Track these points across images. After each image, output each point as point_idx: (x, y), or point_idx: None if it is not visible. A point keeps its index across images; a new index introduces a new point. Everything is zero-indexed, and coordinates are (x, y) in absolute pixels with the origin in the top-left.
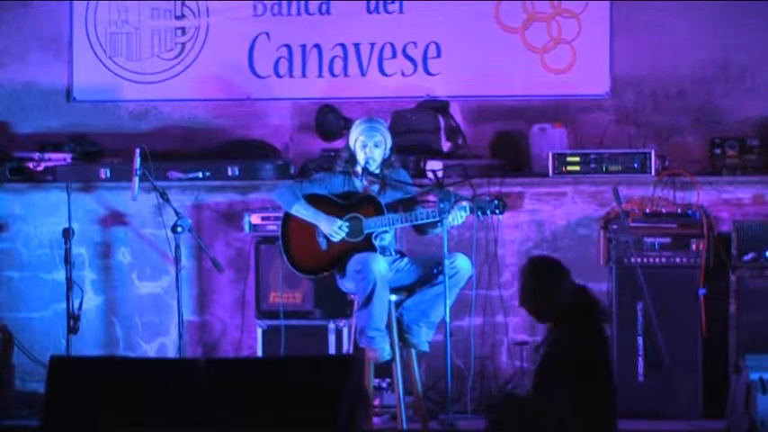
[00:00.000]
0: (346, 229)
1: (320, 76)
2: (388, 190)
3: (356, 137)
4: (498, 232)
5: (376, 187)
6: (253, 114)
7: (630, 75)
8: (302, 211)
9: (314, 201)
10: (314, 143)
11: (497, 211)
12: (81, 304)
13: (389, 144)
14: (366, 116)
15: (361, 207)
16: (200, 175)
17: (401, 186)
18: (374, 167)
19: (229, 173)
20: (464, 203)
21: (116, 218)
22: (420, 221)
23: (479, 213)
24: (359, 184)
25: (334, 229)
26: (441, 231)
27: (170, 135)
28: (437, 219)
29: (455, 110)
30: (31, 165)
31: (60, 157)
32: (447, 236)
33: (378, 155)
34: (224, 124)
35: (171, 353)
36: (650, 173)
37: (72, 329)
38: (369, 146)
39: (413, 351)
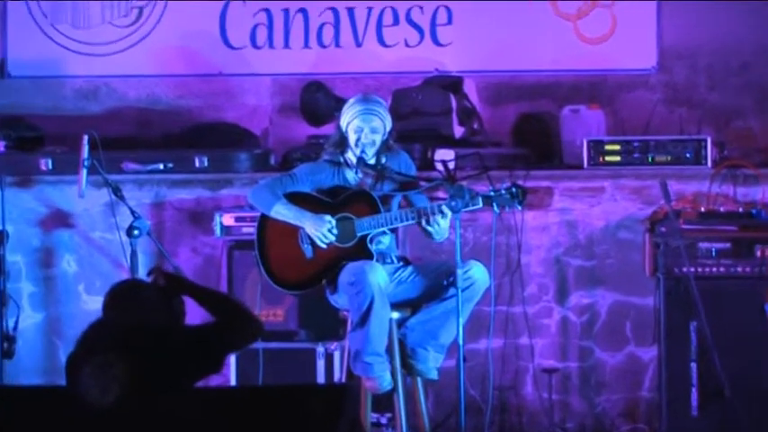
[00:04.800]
0: (336, 232)
1: (306, 46)
2: (387, 182)
3: (349, 120)
4: (522, 236)
5: (372, 181)
6: (225, 93)
7: (682, 45)
8: (284, 210)
9: (297, 200)
10: (299, 128)
11: (516, 202)
12: (17, 323)
13: (389, 129)
14: (361, 95)
15: (353, 204)
16: (162, 166)
17: (403, 177)
18: (371, 157)
19: (197, 164)
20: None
21: (59, 219)
22: (424, 218)
23: (495, 207)
24: (352, 177)
25: (322, 232)
26: (442, 236)
27: (125, 118)
28: (445, 215)
29: (470, 88)
30: None
31: None
32: (460, 240)
33: (375, 142)
34: (190, 105)
35: None
36: (706, 164)
37: (6, 353)
38: (365, 131)
39: (419, 380)
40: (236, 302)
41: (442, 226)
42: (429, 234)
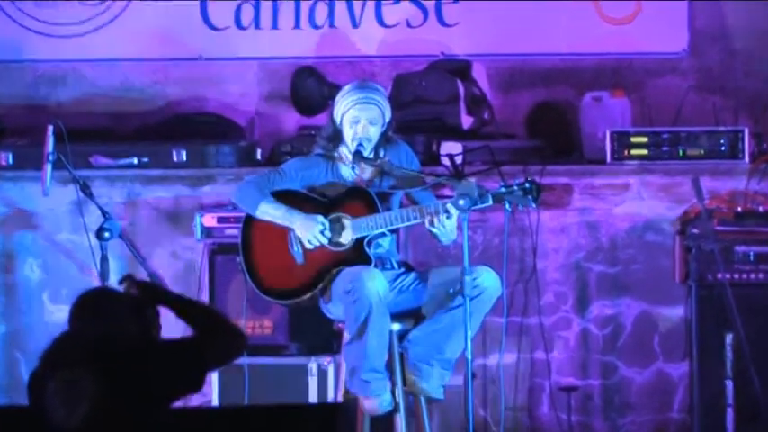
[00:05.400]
0: (329, 234)
1: (297, 27)
2: (385, 178)
3: (344, 110)
4: (538, 238)
5: (370, 177)
6: (206, 79)
7: (716, 26)
8: (272, 210)
9: (286, 199)
10: (289, 118)
11: (531, 200)
12: None
13: (389, 119)
14: (357, 81)
15: (348, 203)
16: (136, 161)
17: (405, 172)
18: (369, 151)
19: (175, 158)
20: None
21: (21, 219)
22: (427, 218)
23: (507, 205)
24: (347, 173)
25: (313, 234)
26: (449, 238)
27: (95, 107)
28: (450, 215)
29: (479, 73)
30: None
31: None
32: (468, 243)
33: (374, 134)
34: (167, 93)
35: None
36: (743, 158)
37: None
38: (362, 123)
39: (422, 399)
40: (217, 313)
41: (447, 227)
42: (434, 236)
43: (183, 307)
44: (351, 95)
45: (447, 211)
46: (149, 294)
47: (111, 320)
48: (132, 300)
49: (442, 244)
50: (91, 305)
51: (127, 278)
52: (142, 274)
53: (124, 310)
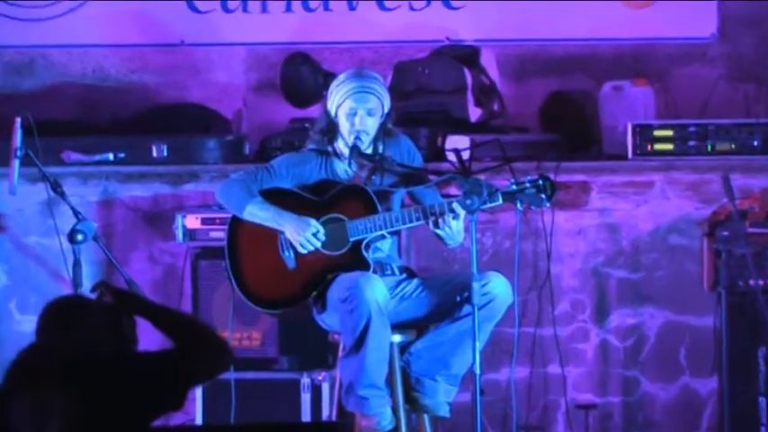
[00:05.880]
0: (323, 237)
1: (288, 10)
2: (387, 175)
3: (339, 101)
4: (553, 241)
5: (368, 174)
6: (189, 67)
7: (747, 9)
8: (259, 212)
9: (276, 198)
10: (279, 110)
11: (545, 199)
12: None
13: (388, 110)
14: (353, 69)
15: (345, 203)
16: (111, 156)
17: (407, 168)
18: (366, 145)
19: (154, 154)
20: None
21: None
22: (431, 219)
23: (519, 205)
24: (343, 170)
25: (306, 237)
26: (455, 241)
27: (66, 98)
28: (457, 215)
29: (488, 60)
30: None
31: None
32: (476, 246)
33: (372, 127)
34: (146, 82)
35: None
36: None
37: None
38: (359, 114)
39: (426, 417)
40: (200, 325)
41: (454, 229)
42: (440, 238)
43: (163, 317)
44: (346, 85)
45: (453, 212)
46: (125, 303)
47: (84, 332)
48: (107, 309)
49: (448, 247)
50: (61, 315)
51: (101, 285)
52: (118, 281)
53: (98, 321)
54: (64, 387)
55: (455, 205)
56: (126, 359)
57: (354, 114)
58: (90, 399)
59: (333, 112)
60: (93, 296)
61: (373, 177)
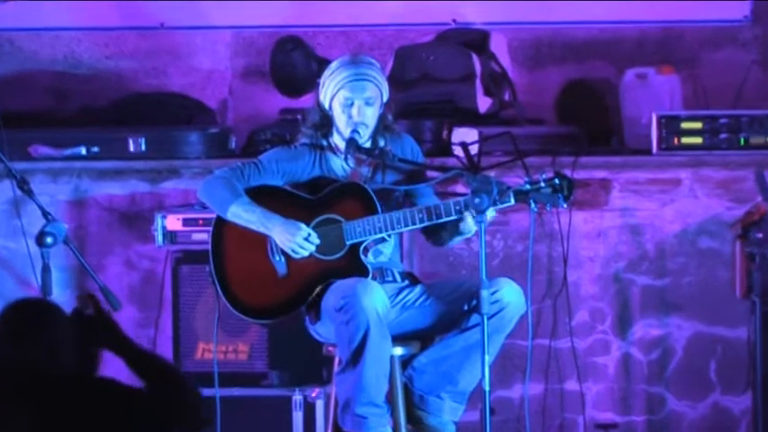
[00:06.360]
0: (317, 241)
1: None
2: (388, 172)
3: (334, 91)
4: (570, 244)
5: (367, 170)
6: (169, 52)
7: None
8: (244, 214)
9: (264, 197)
10: (269, 100)
11: (561, 198)
12: None
13: (387, 99)
14: (347, 56)
15: (341, 202)
16: (84, 151)
17: (409, 166)
18: (365, 139)
19: (131, 148)
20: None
21: None
22: (437, 221)
23: (533, 204)
24: (339, 167)
25: (297, 241)
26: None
27: (34, 86)
28: (462, 217)
29: (499, 45)
30: None
31: None
32: (485, 250)
33: (371, 118)
34: (122, 68)
35: None
36: None
37: None
38: (356, 104)
39: None
40: (177, 373)
41: (457, 239)
42: (440, 241)
43: (137, 357)
44: (340, 73)
45: (460, 212)
46: (102, 331)
47: (48, 343)
48: (79, 323)
49: (449, 248)
50: (26, 323)
51: (89, 298)
52: (91, 288)
53: (66, 333)
54: (25, 406)
55: (463, 205)
56: (94, 386)
57: (351, 105)
58: (53, 420)
59: (327, 105)
60: (73, 304)
61: (372, 174)
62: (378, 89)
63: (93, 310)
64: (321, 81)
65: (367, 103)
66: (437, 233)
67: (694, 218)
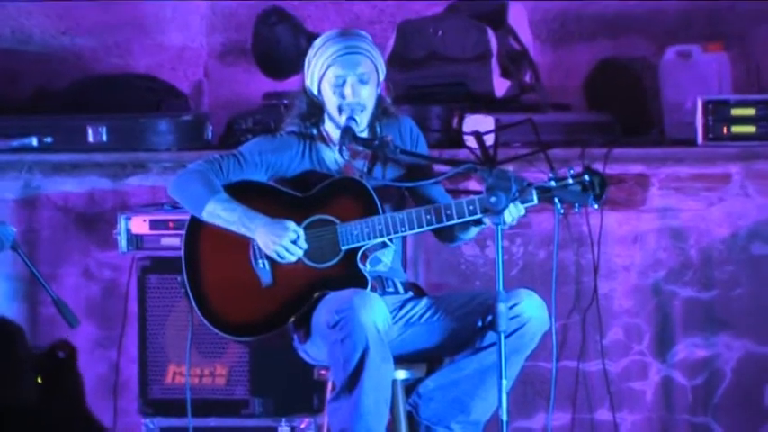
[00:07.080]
0: (305, 245)
1: None
2: (389, 166)
3: (322, 69)
4: (601, 251)
5: (363, 163)
6: (136, 26)
7: None
8: (223, 213)
9: (246, 194)
10: (250, 81)
11: (591, 198)
12: None
13: (383, 75)
14: (335, 30)
15: (335, 201)
16: (35, 141)
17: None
18: (363, 126)
19: (90, 138)
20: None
21: None
22: (447, 223)
23: (558, 205)
24: (332, 159)
25: (283, 243)
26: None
27: None
28: (480, 217)
29: (518, 19)
30: None
31: None
32: (502, 257)
33: (368, 98)
34: (80, 46)
35: None
36: None
37: None
38: (349, 83)
39: None
40: None
41: (474, 229)
42: (451, 239)
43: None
44: (327, 48)
45: (474, 213)
46: (67, 373)
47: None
48: (50, 361)
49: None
50: None
51: (68, 348)
52: (44, 301)
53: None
54: None
55: (477, 205)
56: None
57: (343, 84)
58: None
59: (315, 89)
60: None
61: (371, 167)
62: (372, 63)
63: (65, 355)
64: (306, 62)
65: (361, 81)
66: (450, 229)
67: (746, 220)
